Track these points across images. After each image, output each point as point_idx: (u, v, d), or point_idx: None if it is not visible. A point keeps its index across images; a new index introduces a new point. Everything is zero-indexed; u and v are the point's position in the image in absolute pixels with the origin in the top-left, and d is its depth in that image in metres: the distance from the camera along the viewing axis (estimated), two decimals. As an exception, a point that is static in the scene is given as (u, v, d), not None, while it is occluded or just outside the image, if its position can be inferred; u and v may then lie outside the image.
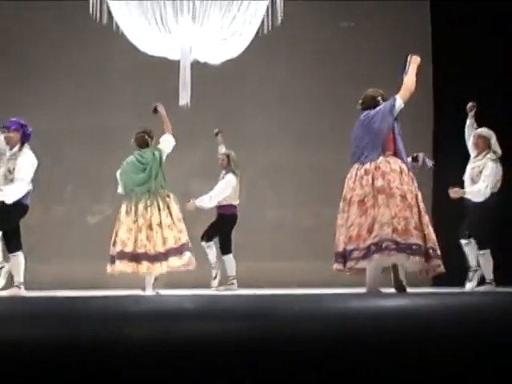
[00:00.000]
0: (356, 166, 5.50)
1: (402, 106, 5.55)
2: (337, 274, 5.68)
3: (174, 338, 2.76)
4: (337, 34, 9.20)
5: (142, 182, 6.57)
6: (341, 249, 5.37)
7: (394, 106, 5.50)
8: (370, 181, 5.33)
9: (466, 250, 6.96)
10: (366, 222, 5.25)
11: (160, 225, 6.46)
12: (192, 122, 8.21)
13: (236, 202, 7.77)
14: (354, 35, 9.12)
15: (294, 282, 7.62)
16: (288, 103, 8.92)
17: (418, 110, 8.88)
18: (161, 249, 6.42)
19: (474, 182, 6.92)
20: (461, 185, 7.09)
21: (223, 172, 7.78)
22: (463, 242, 6.94)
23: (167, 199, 6.58)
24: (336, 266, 5.43)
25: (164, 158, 6.64)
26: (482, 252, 6.86)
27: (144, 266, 6.39)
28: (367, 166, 5.41)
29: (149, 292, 6.54)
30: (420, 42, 9.09)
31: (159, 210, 6.49)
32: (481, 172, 6.91)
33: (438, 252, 5.28)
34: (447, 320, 2.90)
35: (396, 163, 5.39)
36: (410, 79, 5.58)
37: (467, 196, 6.89)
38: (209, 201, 7.60)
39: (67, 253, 8.26)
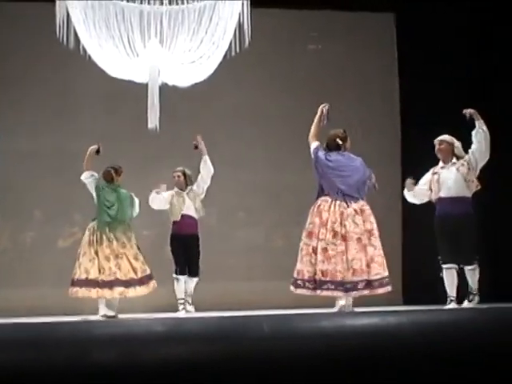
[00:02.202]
0: (335, 201, 6.27)
1: None
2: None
3: (144, 361, 2.74)
4: (305, 56, 9.29)
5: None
6: (339, 278, 6.15)
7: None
8: (362, 221, 6.23)
9: (448, 276, 6.69)
10: (365, 258, 6.19)
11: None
12: (162, 143, 8.21)
13: (177, 219, 7.57)
14: (322, 57, 9.22)
15: (266, 303, 7.61)
16: (259, 124, 8.95)
17: (386, 126, 8.99)
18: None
19: (467, 180, 6.71)
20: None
21: (185, 190, 7.63)
22: (448, 266, 6.68)
23: (109, 234, 7.05)
24: (337, 293, 6.21)
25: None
26: (470, 267, 6.66)
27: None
28: (354, 206, 6.27)
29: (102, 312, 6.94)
30: (386, 61, 9.23)
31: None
32: (469, 169, 6.70)
33: None
34: (418, 337, 2.91)
35: (368, 206, 6.37)
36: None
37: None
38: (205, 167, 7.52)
39: (37, 278, 8.17)
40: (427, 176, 6.94)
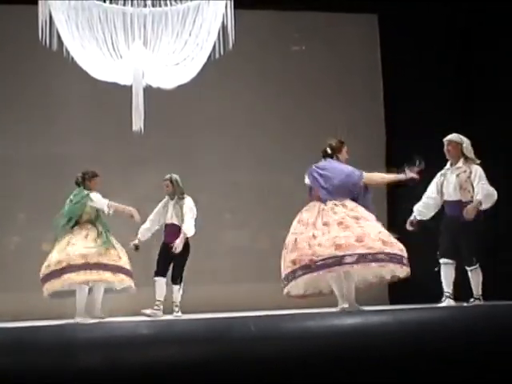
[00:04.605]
0: (317, 202, 6.37)
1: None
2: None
3: (131, 364, 2.73)
4: (289, 57, 9.30)
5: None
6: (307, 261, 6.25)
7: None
8: (343, 210, 6.36)
9: (445, 271, 6.62)
10: (353, 235, 6.27)
11: None
12: (148, 145, 8.19)
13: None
14: (306, 57, 9.23)
15: (253, 305, 7.60)
16: (244, 124, 8.95)
17: (370, 126, 9.01)
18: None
19: (462, 188, 6.60)
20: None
21: (175, 198, 7.56)
22: (445, 261, 6.62)
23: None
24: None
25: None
26: (471, 268, 6.58)
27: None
28: (334, 201, 6.36)
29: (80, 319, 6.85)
30: (370, 62, 9.26)
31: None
32: (469, 177, 6.58)
33: None
34: (404, 336, 2.92)
35: (353, 203, 6.47)
36: (382, 179, 6.73)
37: (483, 204, 6.52)
38: (190, 229, 7.49)
39: (21, 283, 8.11)
40: (435, 180, 6.84)
